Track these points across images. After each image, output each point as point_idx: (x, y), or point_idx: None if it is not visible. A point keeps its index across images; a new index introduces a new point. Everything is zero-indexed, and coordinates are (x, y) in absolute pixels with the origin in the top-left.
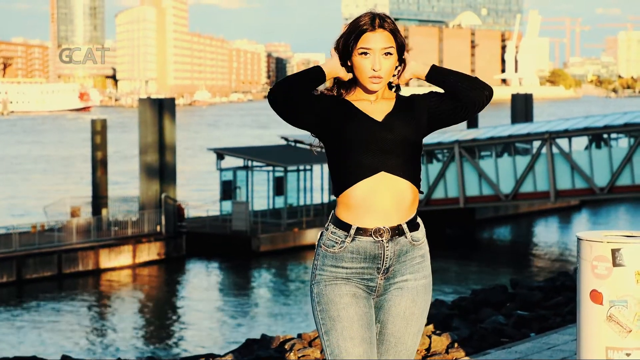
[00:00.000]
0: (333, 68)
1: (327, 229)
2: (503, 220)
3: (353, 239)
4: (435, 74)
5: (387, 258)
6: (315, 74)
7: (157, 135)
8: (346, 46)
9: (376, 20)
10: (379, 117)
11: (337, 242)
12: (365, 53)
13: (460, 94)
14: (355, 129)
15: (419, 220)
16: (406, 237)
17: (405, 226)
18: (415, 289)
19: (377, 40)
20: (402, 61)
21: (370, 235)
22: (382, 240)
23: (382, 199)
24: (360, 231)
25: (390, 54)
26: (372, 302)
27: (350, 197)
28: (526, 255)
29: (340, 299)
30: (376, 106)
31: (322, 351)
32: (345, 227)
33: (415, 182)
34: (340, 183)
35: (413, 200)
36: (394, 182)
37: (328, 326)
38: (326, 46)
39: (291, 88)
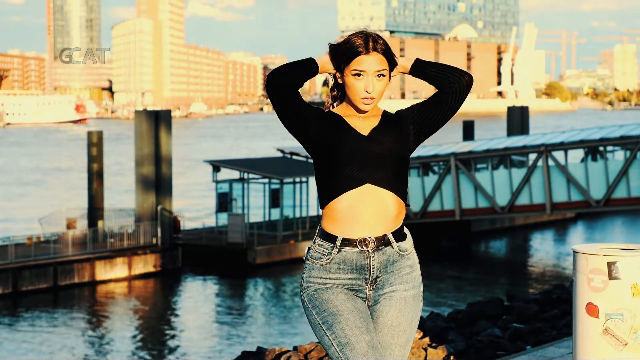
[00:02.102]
0: (326, 63)
1: (314, 242)
2: (499, 232)
3: (339, 250)
4: (419, 67)
5: (373, 268)
6: (310, 64)
7: (153, 147)
8: (338, 64)
9: (370, 44)
10: (366, 131)
11: (323, 254)
12: (359, 74)
13: (442, 81)
14: (341, 141)
15: (405, 231)
16: (392, 247)
17: (390, 236)
18: (403, 299)
19: (370, 63)
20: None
21: (356, 245)
22: (367, 250)
23: (367, 210)
24: (346, 242)
25: (383, 75)
26: (365, 305)
27: (335, 208)
28: (522, 268)
29: (335, 296)
30: (364, 122)
31: None
32: (331, 238)
33: (401, 194)
34: (325, 195)
35: (398, 212)
36: (379, 193)
37: (330, 322)
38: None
39: (286, 72)
